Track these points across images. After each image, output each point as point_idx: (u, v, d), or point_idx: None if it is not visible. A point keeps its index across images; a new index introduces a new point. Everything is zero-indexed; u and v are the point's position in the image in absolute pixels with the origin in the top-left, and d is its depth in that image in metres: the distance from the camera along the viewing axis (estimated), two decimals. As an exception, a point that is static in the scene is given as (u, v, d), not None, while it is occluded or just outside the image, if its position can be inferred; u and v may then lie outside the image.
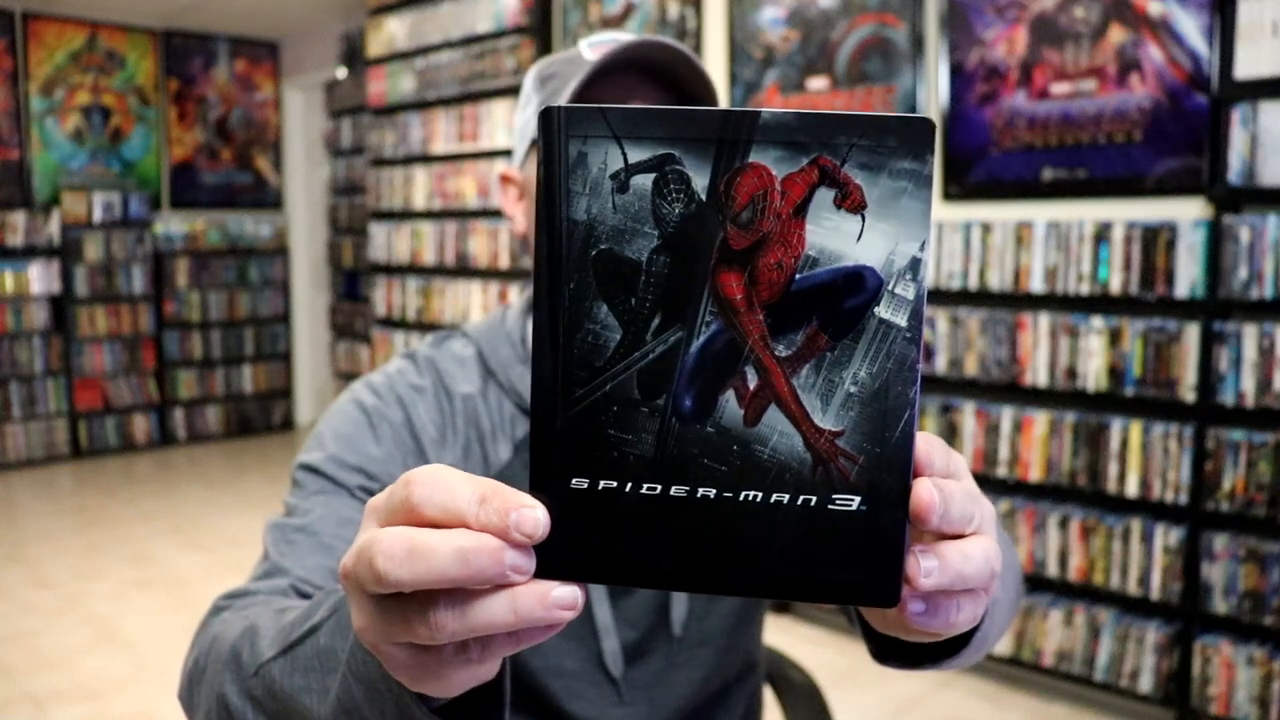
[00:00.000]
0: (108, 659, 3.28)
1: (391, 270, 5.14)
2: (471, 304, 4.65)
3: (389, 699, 0.47)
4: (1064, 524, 2.84)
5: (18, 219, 5.87)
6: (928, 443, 0.39)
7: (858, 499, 0.37)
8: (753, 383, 0.36)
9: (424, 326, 4.91)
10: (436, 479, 0.37)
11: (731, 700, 1.02)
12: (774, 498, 0.37)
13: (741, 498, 0.37)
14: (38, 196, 6.05)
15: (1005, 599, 0.73)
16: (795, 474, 0.37)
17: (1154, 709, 2.80)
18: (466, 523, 0.36)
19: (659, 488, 0.37)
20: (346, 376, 6.30)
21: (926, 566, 0.38)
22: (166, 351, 6.45)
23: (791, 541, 0.37)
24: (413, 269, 5.01)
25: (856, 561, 0.37)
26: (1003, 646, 2.97)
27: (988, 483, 3.01)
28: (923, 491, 0.37)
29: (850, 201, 0.35)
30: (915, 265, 0.36)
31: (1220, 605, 2.56)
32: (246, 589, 0.77)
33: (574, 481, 0.37)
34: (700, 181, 0.36)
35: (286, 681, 0.58)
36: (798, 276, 0.36)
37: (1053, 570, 2.86)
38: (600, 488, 0.37)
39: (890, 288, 0.36)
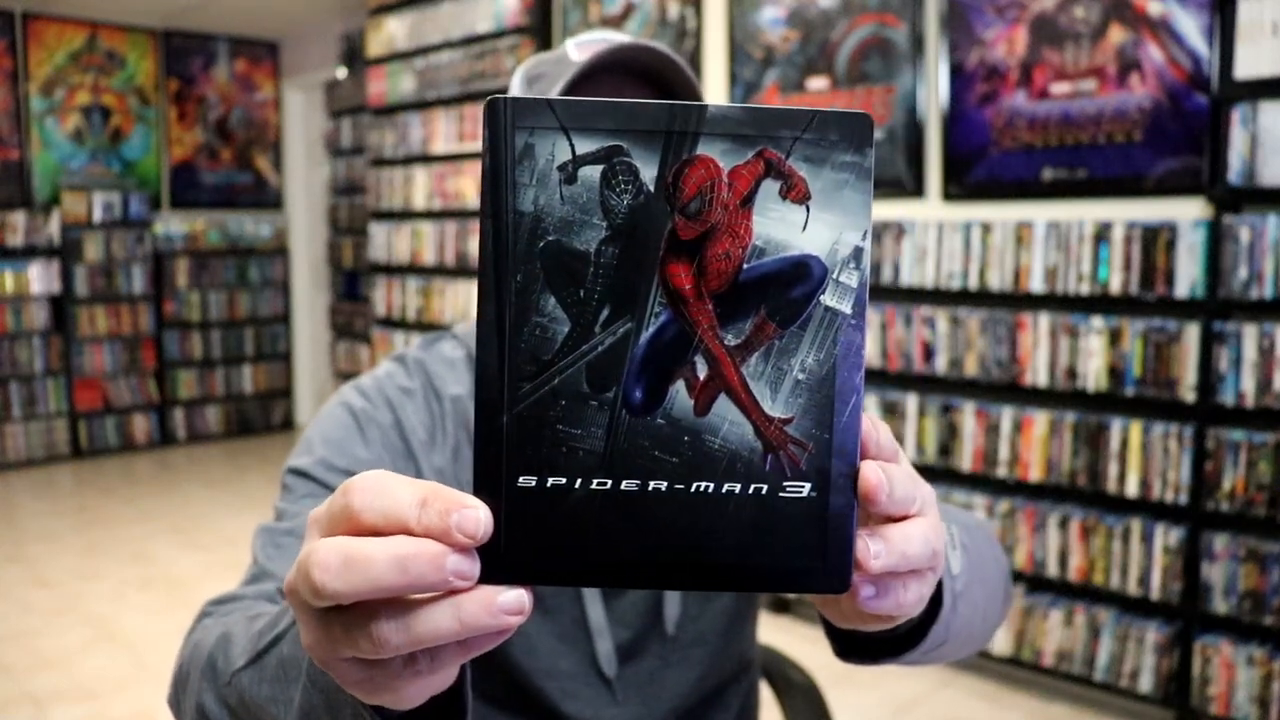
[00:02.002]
0: (107, 659, 3.28)
1: (391, 270, 5.14)
2: (471, 304, 4.65)
3: (347, 709, 0.47)
4: (1064, 524, 2.84)
5: (18, 219, 5.87)
6: (873, 425, 0.39)
7: (808, 485, 0.37)
8: (702, 372, 0.36)
9: (424, 326, 4.91)
10: (376, 484, 0.36)
11: (727, 699, 1.02)
12: (725, 488, 0.37)
13: (693, 489, 0.36)
14: (38, 196, 6.05)
15: (981, 594, 0.73)
16: (746, 463, 0.37)
17: (1154, 709, 2.80)
18: (408, 527, 0.35)
19: (609, 482, 0.36)
20: (346, 376, 6.29)
21: (875, 549, 0.38)
22: (166, 351, 6.45)
23: (744, 532, 0.37)
24: (413, 269, 5.01)
25: (808, 548, 0.37)
26: (1003, 646, 2.97)
27: (988, 483, 3.01)
28: (870, 474, 0.37)
29: (795, 193, 0.36)
30: (858, 254, 0.36)
31: (1220, 605, 2.56)
32: (233, 594, 0.78)
33: (521, 479, 0.36)
34: (649, 173, 0.36)
35: (255, 691, 0.58)
36: (745, 266, 0.36)
37: (1053, 570, 2.86)
38: (549, 485, 0.36)
39: (835, 276, 0.36)
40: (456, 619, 0.35)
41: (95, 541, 4.48)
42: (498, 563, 0.36)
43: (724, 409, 0.37)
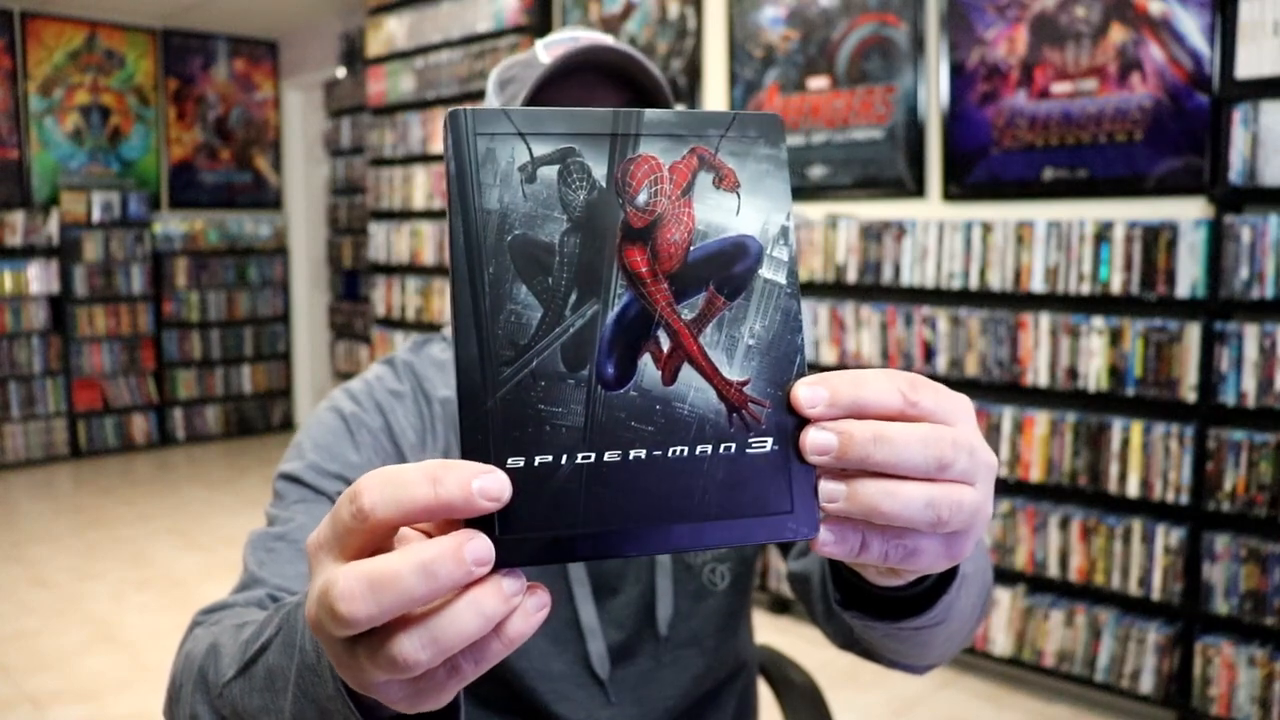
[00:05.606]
0: (107, 659, 3.27)
1: (391, 270, 5.13)
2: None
3: (338, 717, 0.47)
4: (1065, 524, 2.83)
5: (16, 219, 5.86)
6: (822, 381, 0.40)
7: (770, 440, 0.40)
8: (666, 345, 0.40)
9: (423, 326, 4.91)
10: (381, 478, 0.35)
11: (722, 701, 1.02)
12: (699, 449, 0.39)
13: (670, 454, 0.39)
14: (37, 196, 6.04)
15: (978, 586, 0.73)
16: (714, 424, 0.40)
17: (1155, 710, 2.79)
18: (428, 507, 0.34)
19: (593, 455, 0.38)
20: (346, 376, 6.29)
21: (830, 491, 0.40)
22: (165, 351, 6.45)
23: (720, 489, 0.40)
24: (412, 269, 5.00)
25: (778, 498, 0.40)
26: (1003, 647, 2.97)
27: (988, 483, 3.00)
28: (800, 389, 0.40)
29: (726, 182, 0.41)
30: (785, 232, 0.41)
31: (1221, 606, 2.56)
32: (223, 603, 0.77)
33: (509, 461, 0.37)
34: (599, 170, 0.40)
35: (246, 701, 0.58)
36: (692, 248, 0.40)
37: (1054, 571, 2.86)
38: (536, 463, 0.37)
39: (769, 252, 0.41)
40: (480, 615, 0.35)
41: (94, 542, 4.47)
42: (496, 546, 0.36)
43: (689, 377, 0.40)
